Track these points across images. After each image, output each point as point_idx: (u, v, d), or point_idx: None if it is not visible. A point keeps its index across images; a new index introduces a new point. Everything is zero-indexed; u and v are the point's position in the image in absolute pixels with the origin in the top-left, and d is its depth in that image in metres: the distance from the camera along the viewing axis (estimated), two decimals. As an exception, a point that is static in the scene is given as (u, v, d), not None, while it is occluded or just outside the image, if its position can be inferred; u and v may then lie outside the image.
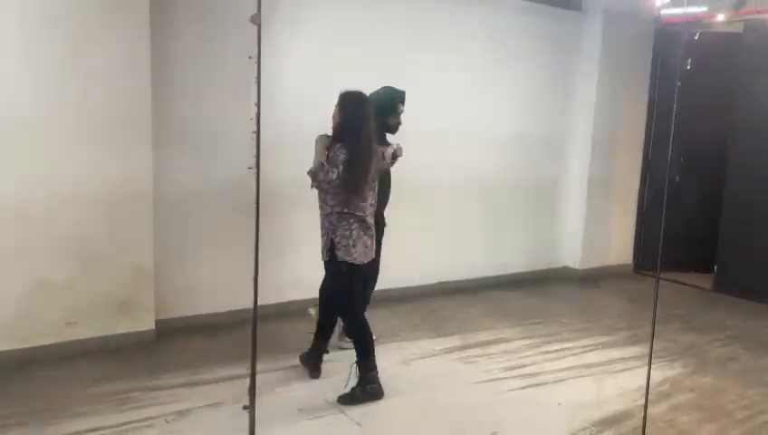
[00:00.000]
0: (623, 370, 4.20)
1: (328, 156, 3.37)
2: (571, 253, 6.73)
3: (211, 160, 4.46)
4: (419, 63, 5.32)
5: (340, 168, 3.30)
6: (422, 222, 5.60)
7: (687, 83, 6.56)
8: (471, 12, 5.67)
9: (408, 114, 4.99)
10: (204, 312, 4.50)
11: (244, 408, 2.18)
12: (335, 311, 3.83)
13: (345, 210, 3.43)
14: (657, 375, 4.13)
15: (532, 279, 6.41)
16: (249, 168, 1.76)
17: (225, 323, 4.51)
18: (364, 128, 3.45)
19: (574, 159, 6.62)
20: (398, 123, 4.17)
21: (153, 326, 4.18)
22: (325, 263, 3.63)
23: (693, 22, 6.55)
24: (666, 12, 6.24)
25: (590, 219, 6.61)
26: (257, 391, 3.47)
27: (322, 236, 3.54)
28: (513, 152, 6.19)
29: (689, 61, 6.09)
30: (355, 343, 3.64)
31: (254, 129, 1.59)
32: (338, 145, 3.38)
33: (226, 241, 4.58)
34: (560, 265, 6.75)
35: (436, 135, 5.37)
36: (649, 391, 3.84)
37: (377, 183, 3.61)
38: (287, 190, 4.70)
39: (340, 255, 3.44)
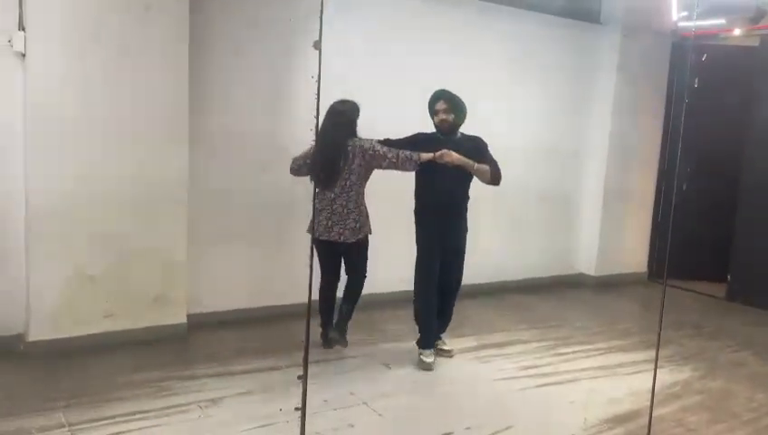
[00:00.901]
0: (634, 372, 4.34)
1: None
2: (587, 260, 6.86)
3: (243, 162, 4.69)
4: (439, 76, 5.47)
5: (297, 163, 4.21)
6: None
7: (704, 95, 6.72)
8: (490, 24, 5.84)
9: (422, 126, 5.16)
10: (233, 307, 4.72)
11: (299, 377, 2.39)
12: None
13: (318, 192, 4.15)
14: (667, 378, 4.28)
15: (549, 284, 6.55)
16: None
17: (253, 318, 4.75)
18: (327, 132, 3.99)
19: (592, 168, 6.76)
20: (442, 121, 4.21)
21: (185, 320, 4.40)
22: None
23: (710, 35, 6.69)
24: (683, 25, 6.37)
25: (606, 227, 6.75)
26: (284, 383, 3.71)
27: None
28: (532, 161, 6.34)
29: (696, 80, 6.20)
30: None
31: (313, 138, 1.80)
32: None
33: (256, 240, 4.81)
34: (576, 272, 6.88)
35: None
36: (660, 392, 4.03)
37: (353, 176, 4.09)
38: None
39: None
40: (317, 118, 1.82)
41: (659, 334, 2.70)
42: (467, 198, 4.35)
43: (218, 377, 3.80)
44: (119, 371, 3.80)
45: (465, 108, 4.27)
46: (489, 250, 6.15)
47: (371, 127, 4.26)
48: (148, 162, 4.16)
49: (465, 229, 4.40)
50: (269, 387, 3.70)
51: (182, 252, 4.33)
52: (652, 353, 4.68)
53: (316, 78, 1.78)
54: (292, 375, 3.87)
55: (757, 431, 3.58)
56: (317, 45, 1.75)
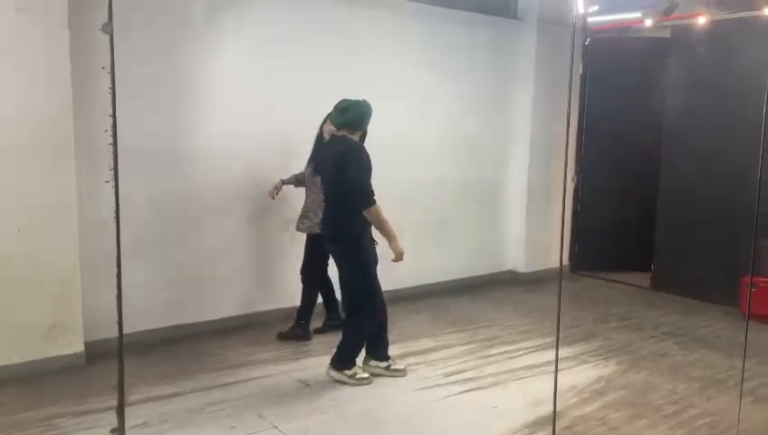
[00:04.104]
0: (560, 369, 4.24)
1: None
2: (516, 257, 6.82)
3: (138, 174, 4.37)
4: (356, 75, 5.33)
5: None
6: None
7: (619, 87, 6.78)
8: (407, 21, 5.71)
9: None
10: (137, 330, 4.38)
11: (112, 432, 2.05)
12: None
13: None
14: (592, 374, 4.22)
15: (478, 284, 6.47)
16: (106, 181, 1.72)
17: (159, 340, 4.46)
18: None
19: (515, 165, 6.71)
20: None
21: (82, 349, 4.07)
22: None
23: (622, 27, 6.77)
24: (592, 20, 6.42)
25: (532, 223, 6.71)
26: (184, 412, 3.46)
27: None
28: (454, 160, 6.24)
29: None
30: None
31: (110, 141, 1.54)
32: None
33: (157, 256, 4.51)
34: (505, 269, 6.83)
35: (376, 145, 5.39)
36: (584, 389, 3.96)
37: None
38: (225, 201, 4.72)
39: None
40: (113, 115, 1.58)
41: (557, 341, 2.56)
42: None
43: (114, 410, 3.49)
44: (5, 410, 3.45)
45: None
46: (415, 253, 5.96)
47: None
48: (31, 179, 3.81)
49: None
50: (168, 417, 3.43)
51: (75, 275, 4.00)
52: (577, 349, 4.68)
53: (108, 69, 1.54)
54: (193, 402, 3.63)
55: (679, 424, 3.52)
56: (106, 29, 1.51)
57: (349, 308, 4.05)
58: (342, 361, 3.97)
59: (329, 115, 4.30)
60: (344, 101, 4.01)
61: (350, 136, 3.94)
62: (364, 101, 3.97)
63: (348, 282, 3.99)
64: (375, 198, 3.82)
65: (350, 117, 3.92)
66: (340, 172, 3.83)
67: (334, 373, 3.96)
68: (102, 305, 4.22)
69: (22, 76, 3.73)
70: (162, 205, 4.53)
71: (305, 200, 4.63)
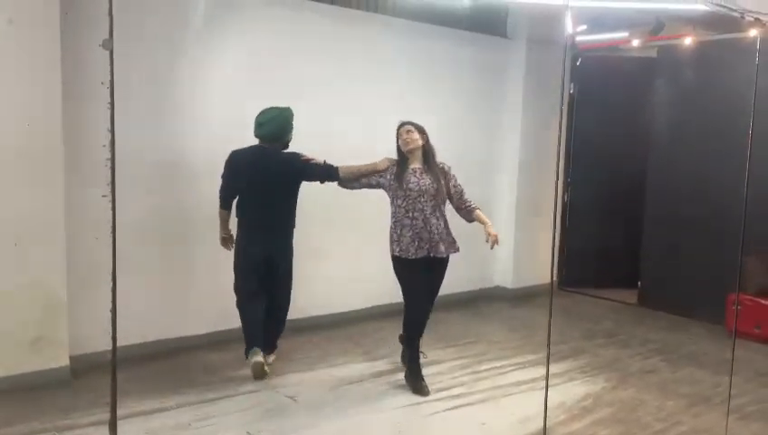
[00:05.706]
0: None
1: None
2: (503, 272, 6.83)
3: (126, 188, 4.33)
4: (347, 91, 5.36)
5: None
6: (356, 246, 5.61)
7: (607, 106, 6.87)
8: (398, 39, 5.76)
9: (337, 140, 5.05)
10: (123, 344, 4.32)
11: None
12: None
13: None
14: (580, 390, 4.23)
15: (467, 299, 6.46)
16: (104, 196, 1.72)
17: (144, 354, 4.41)
18: None
19: (503, 181, 6.75)
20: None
21: (67, 363, 4.01)
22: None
23: (611, 47, 6.87)
24: (581, 39, 6.50)
25: (520, 239, 6.74)
26: (171, 428, 3.42)
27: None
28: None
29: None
30: None
31: (108, 156, 1.54)
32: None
33: (142, 271, 4.47)
34: (493, 285, 6.84)
35: (365, 161, 5.41)
36: (573, 406, 3.97)
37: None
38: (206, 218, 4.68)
39: None
40: (112, 131, 1.58)
41: (548, 355, 2.56)
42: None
43: (101, 425, 3.44)
44: (-13, 425, 3.41)
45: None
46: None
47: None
48: (17, 192, 3.77)
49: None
50: (154, 432, 3.39)
51: (61, 288, 3.95)
52: (565, 366, 4.68)
53: (107, 84, 1.54)
54: (180, 417, 3.59)
55: (667, 441, 3.54)
56: (106, 45, 1.52)
57: (287, 302, 4.46)
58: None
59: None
60: (273, 109, 4.20)
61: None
62: (289, 109, 4.24)
63: (288, 279, 4.40)
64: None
65: (274, 129, 4.19)
66: (293, 179, 4.22)
67: (273, 357, 4.43)
68: (88, 319, 4.20)
69: (12, 87, 3.71)
70: (149, 218, 4.49)
71: (412, 221, 4.40)
